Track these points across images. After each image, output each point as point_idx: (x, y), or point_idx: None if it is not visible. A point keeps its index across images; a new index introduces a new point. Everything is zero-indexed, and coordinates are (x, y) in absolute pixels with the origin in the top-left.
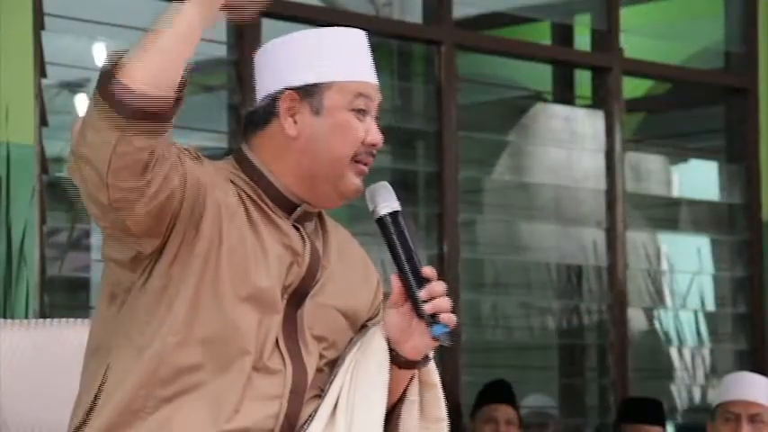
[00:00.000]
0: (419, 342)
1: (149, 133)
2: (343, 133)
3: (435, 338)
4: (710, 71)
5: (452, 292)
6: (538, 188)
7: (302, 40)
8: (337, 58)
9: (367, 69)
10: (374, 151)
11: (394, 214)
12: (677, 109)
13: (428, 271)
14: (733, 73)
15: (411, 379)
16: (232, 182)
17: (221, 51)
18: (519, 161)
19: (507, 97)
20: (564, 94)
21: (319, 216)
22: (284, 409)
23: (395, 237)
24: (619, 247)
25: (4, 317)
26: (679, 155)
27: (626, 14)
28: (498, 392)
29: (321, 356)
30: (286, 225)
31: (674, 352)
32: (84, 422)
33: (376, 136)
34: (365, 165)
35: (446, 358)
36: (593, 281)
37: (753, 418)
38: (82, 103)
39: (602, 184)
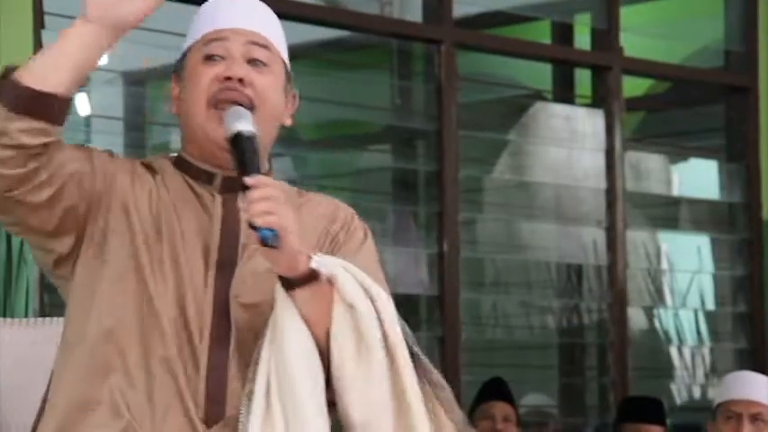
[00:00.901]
0: (280, 256)
1: (37, 130)
2: (192, 84)
3: (264, 244)
4: (710, 70)
5: (453, 291)
6: (538, 187)
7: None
8: (196, 24)
9: (223, 17)
10: (236, 86)
11: (250, 135)
12: (677, 108)
13: (249, 180)
14: (733, 72)
15: (331, 308)
16: (154, 172)
17: None
18: (519, 160)
19: (507, 96)
20: (564, 93)
21: None
22: (203, 387)
23: (246, 155)
24: (619, 246)
25: (4, 316)
26: (679, 154)
27: (626, 13)
28: (495, 390)
29: (260, 321)
30: (210, 199)
31: (674, 351)
32: (35, 427)
33: (231, 69)
34: (228, 102)
35: (446, 358)
36: (594, 280)
37: (754, 418)
38: (81, 101)
39: (602, 183)
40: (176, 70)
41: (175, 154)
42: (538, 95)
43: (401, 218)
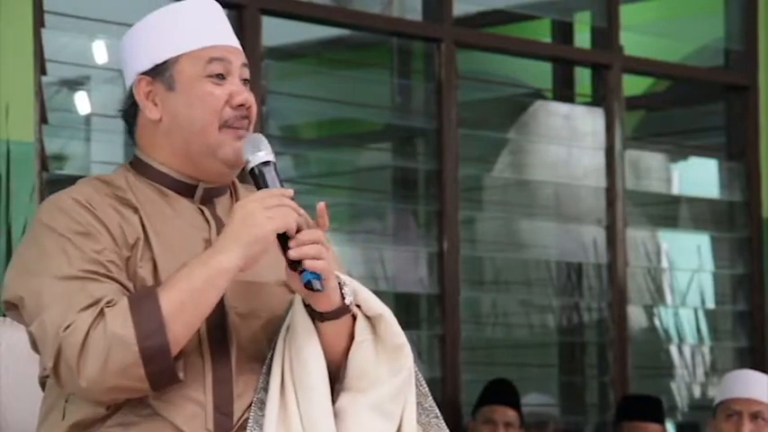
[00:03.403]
0: (322, 297)
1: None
2: (200, 102)
3: (307, 286)
4: (710, 68)
5: (452, 290)
6: (538, 185)
7: (147, 22)
8: (181, 30)
9: (218, 33)
10: (247, 114)
11: (271, 164)
12: (677, 106)
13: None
14: (733, 70)
15: (355, 321)
16: (120, 197)
17: None
18: (519, 158)
19: (507, 95)
20: (564, 91)
21: (235, 188)
22: (210, 401)
23: (276, 185)
24: (619, 245)
25: (4, 315)
26: (679, 152)
27: (626, 12)
28: (499, 393)
29: (259, 331)
30: (191, 211)
31: (673, 349)
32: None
33: (242, 96)
34: (240, 129)
35: (446, 356)
36: (594, 278)
37: (754, 416)
38: (81, 100)
39: (602, 182)
40: (155, 74)
41: (126, 164)
42: (538, 94)
43: (401, 216)
